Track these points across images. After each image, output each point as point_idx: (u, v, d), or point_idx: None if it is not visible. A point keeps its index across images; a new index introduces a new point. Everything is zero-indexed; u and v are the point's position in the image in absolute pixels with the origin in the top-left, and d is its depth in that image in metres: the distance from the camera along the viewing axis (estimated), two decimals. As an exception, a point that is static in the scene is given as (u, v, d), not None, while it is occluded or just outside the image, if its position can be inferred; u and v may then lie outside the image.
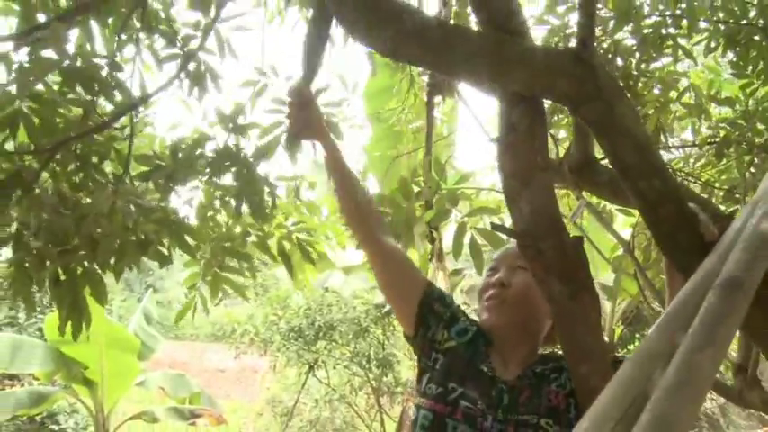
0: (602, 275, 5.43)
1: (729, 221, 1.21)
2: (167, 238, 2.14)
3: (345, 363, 8.21)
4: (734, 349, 2.26)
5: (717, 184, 2.78)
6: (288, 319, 8.04)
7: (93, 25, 2.12)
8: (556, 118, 2.59)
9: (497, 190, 2.63)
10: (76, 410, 9.27)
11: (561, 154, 2.24)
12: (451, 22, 2.91)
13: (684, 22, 2.34)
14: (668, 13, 2.35)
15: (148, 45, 2.20)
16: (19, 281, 1.94)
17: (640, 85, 2.42)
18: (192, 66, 2.17)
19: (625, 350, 6.76)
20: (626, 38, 2.41)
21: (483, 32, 1.42)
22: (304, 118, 1.71)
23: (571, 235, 1.36)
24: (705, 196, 2.64)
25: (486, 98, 1.50)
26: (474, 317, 1.65)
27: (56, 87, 1.95)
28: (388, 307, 7.42)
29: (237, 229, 2.63)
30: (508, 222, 1.46)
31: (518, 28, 1.39)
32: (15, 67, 1.75)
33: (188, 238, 2.19)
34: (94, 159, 2.05)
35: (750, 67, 2.41)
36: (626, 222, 3.49)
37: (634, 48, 2.38)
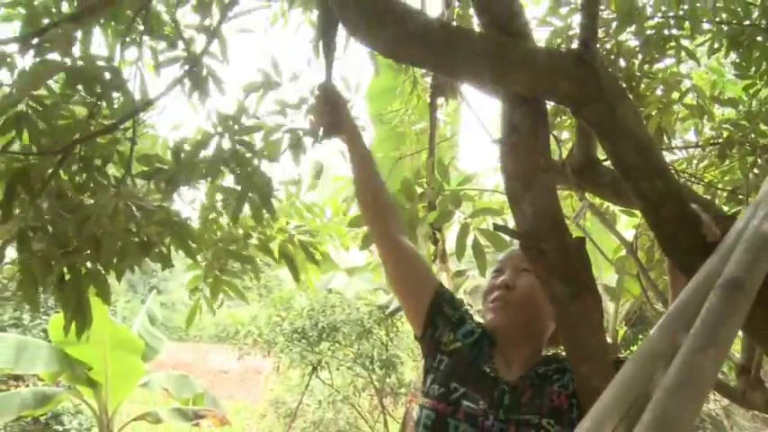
0: (606, 276, 5.43)
1: (732, 222, 1.22)
2: (169, 240, 2.14)
3: (349, 364, 8.22)
4: (737, 350, 2.26)
5: (720, 185, 2.78)
6: (291, 320, 8.05)
7: (96, 28, 2.13)
8: (559, 119, 2.59)
9: (500, 191, 2.63)
10: (81, 411, 9.30)
11: (564, 155, 2.24)
12: (454, 23, 2.91)
13: (687, 24, 2.34)
14: (671, 14, 2.35)
15: (152, 47, 2.20)
16: (24, 282, 1.95)
17: (643, 86, 2.42)
18: (195, 69, 2.17)
19: (628, 351, 6.75)
20: (629, 39, 2.41)
21: (485, 34, 1.43)
22: (332, 115, 1.72)
23: (574, 236, 1.37)
24: (708, 197, 2.64)
25: (489, 99, 1.51)
26: (477, 318, 1.66)
27: (59, 90, 1.97)
28: (391, 308, 7.42)
29: (239, 232, 2.63)
30: (511, 223, 1.46)
31: (520, 30, 1.39)
32: (19, 69, 1.76)
33: (190, 241, 2.20)
34: (97, 162, 2.06)
35: (753, 68, 2.41)
36: (629, 223, 3.49)
37: (637, 49, 2.38)
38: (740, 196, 2.53)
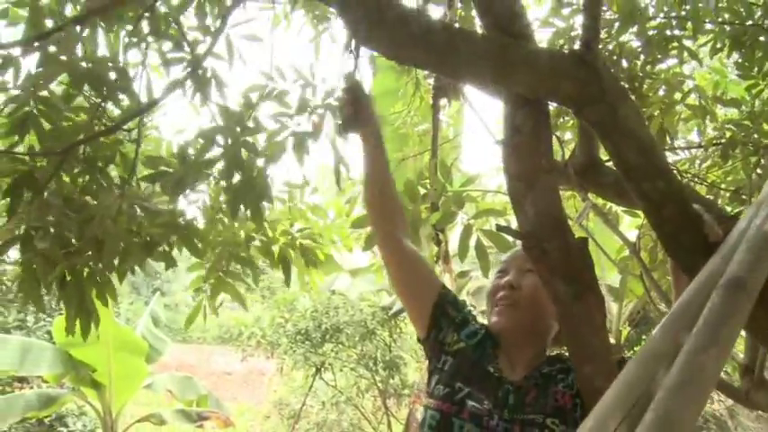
0: (609, 277, 5.42)
1: (734, 222, 1.22)
2: (175, 241, 2.15)
3: (352, 365, 8.22)
4: (741, 351, 2.26)
5: (723, 186, 2.78)
6: (294, 321, 8.06)
7: (100, 30, 2.14)
8: (561, 120, 2.59)
9: (503, 192, 2.64)
10: (85, 413, 9.31)
11: (566, 156, 2.24)
12: (456, 25, 2.92)
13: (689, 24, 2.35)
14: (673, 14, 2.35)
15: (158, 49, 2.21)
16: (27, 282, 1.96)
17: (645, 86, 2.42)
18: (198, 71, 2.18)
19: (632, 352, 6.74)
20: (631, 39, 2.41)
21: (487, 36, 1.43)
22: (353, 108, 1.73)
23: (576, 236, 1.37)
24: (711, 197, 2.63)
25: (492, 101, 1.51)
26: (481, 319, 1.66)
27: (64, 91, 1.97)
28: (394, 309, 7.42)
29: (242, 234, 2.64)
30: (514, 224, 1.46)
31: (522, 31, 1.40)
32: (25, 71, 1.77)
33: (195, 241, 2.20)
34: (100, 163, 2.07)
35: (756, 68, 2.41)
36: (632, 224, 3.48)
37: (639, 49, 2.38)
38: (743, 196, 2.52)
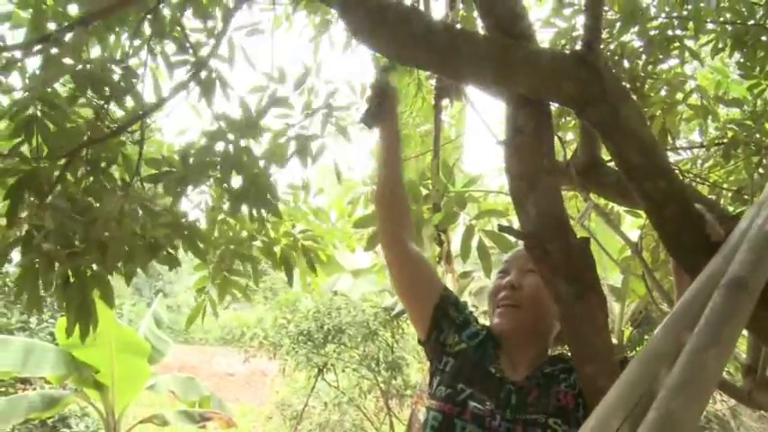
0: (611, 277, 5.42)
1: (736, 222, 1.22)
2: (178, 242, 2.15)
3: (354, 366, 8.22)
4: (743, 351, 2.26)
5: (725, 185, 2.78)
6: (297, 322, 8.06)
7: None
8: (563, 120, 2.60)
9: (505, 192, 2.64)
10: (87, 414, 9.32)
11: (568, 156, 2.24)
12: (458, 26, 2.92)
13: (691, 24, 2.35)
14: (675, 14, 2.36)
15: (162, 52, 2.22)
16: (28, 282, 1.96)
17: (647, 86, 2.43)
18: (203, 73, 2.19)
19: (634, 352, 6.73)
20: (632, 40, 2.42)
21: (489, 36, 1.43)
22: (380, 104, 1.74)
23: (578, 236, 1.37)
24: (713, 197, 2.63)
25: (494, 101, 1.51)
26: (482, 320, 1.66)
27: (68, 93, 1.98)
28: (396, 310, 7.43)
29: (244, 234, 2.65)
30: (516, 225, 1.46)
31: (524, 31, 1.40)
32: (30, 73, 1.77)
33: (199, 242, 2.21)
34: (103, 164, 2.07)
35: (757, 68, 2.41)
36: (634, 224, 3.48)
37: (641, 49, 2.38)
38: (745, 196, 2.52)
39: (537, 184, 1.35)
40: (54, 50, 1.76)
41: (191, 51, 2.23)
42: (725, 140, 2.58)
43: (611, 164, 2.07)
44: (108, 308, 2.19)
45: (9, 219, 1.86)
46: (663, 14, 2.37)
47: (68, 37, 1.76)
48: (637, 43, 2.41)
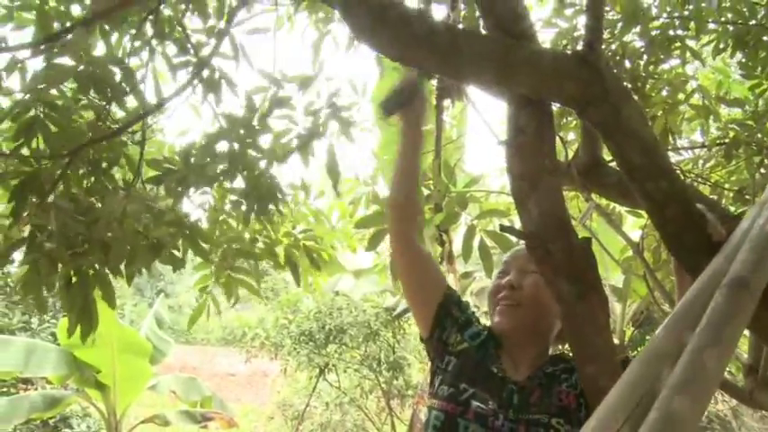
0: (612, 277, 5.42)
1: (737, 222, 1.22)
2: (181, 242, 2.16)
3: (356, 366, 8.23)
4: (745, 351, 2.26)
5: (726, 186, 2.78)
6: (298, 322, 8.07)
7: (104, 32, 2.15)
8: (564, 120, 2.60)
9: (507, 192, 2.64)
10: (89, 414, 9.32)
11: (570, 156, 2.24)
12: (460, 26, 2.92)
13: (692, 24, 2.35)
14: (676, 14, 2.36)
15: (162, 52, 2.22)
16: (31, 282, 1.97)
17: (648, 86, 2.43)
18: (206, 72, 2.19)
19: (636, 352, 6.73)
20: (634, 40, 2.42)
21: (490, 36, 1.43)
22: (407, 93, 1.73)
23: (580, 236, 1.37)
24: (714, 197, 2.63)
25: (495, 101, 1.52)
26: (484, 320, 1.67)
27: (70, 94, 1.98)
28: (398, 310, 7.43)
29: (246, 235, 2.65)
30: (518, 225, 1.47)
31: (525, 31, 1.40)
32: (31, 74, 1.78)
33: (201, 242, 2.21)
34: (105, 165, 2.08)
35: (759, 68, 2.41)
36: (635, 224, 3.48)
37: (642, 50, 2.38)
38: (746, 196, 2.52)
39: (539, 185, 1.35)
40: (56, 51, 1.76)
41: (192, 52, 2.23)
42: (726, 140, 2.58)
43: (613, 164, 2.07)
44: (113, 308, 2.19)
45: (13, 220, 1.86)
46: (664, 14, 2.37)
47: (69, 37, 1.77)
48: (638, 43, 2.41)
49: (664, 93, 2.50)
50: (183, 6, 2.22)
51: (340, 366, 8.31)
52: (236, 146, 2.14)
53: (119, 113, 2.19)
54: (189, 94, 2.16)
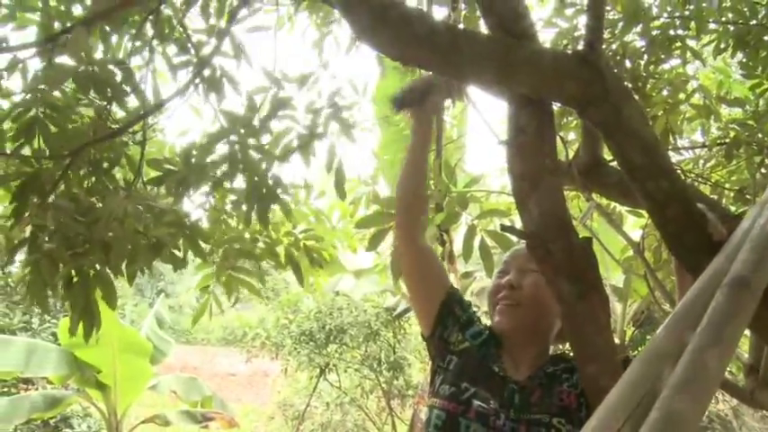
0: (613, 277, 5.42)
1: (738, 222, 1.22)
2: (182, 242, 2.16)
3: (356, 366, 8.23)
4: (746, 350, 2.26)
5: (727, 185, 2.78)
6: (299, 322, 8.07)
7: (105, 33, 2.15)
8: (565, 120, 2.59)
9: (507, 192, 2.64)
10: (90, 414, 9.32)
11: (570, 156, 2.24)
12: (461, 26, 2.92)
13: (693, 24, 2.34)
14: (677, 14, 2.35)
15: (164, 53, 2.22)
16: (34, 283, 1.97)
17: (649, 86, 2.42)
18: (207, 71, 2.19)
19: (636, 352, 6.73)
20: (634, 39, 2.41)
21: (491, 36, 1.43)
22: (422, 89, 1.74)
23: (580, 236, 1.37)
24: (715, 197, 2.63)
25: (496, 101, 1.52)
26: (485, 320, 1.67)
27: (70, 94, 1.98)
28: (398, 310, 7.43)
29: (246, 235, 2.65)
30: (518, 224, 1.47)
31: (526, 31, 1.40)
32: (32, 75, 1.78)
33: (201, 242, 2.21)
34: (105, 165, 2.08)
35: (760, 68, 2.41)
36: (636, 224, 3.48)
37: (643, 49, 2.38)
38: (747, 196, 2.52)
39: (539, 184, 1.35)
40: (57, 51, 1.76)
41: (192, 52, 2.23)
42: (727, 140, 2.58)
43: (614, 164, 2.07)
44: (113, 309, 2.19)
45: (14, 221, 1.87)
46: (665, 14, 2.37)
47: (72, 37, 1.77)
48: (639, 43, 2.41)
49: (664, 92, 2.49)
50: (183, 6, 2.22)
51: (340, 366, 8.31)
52: (236, 146, 2.14)
53: (119, 113, 2.19)
54: (190, 94, 2.16)
